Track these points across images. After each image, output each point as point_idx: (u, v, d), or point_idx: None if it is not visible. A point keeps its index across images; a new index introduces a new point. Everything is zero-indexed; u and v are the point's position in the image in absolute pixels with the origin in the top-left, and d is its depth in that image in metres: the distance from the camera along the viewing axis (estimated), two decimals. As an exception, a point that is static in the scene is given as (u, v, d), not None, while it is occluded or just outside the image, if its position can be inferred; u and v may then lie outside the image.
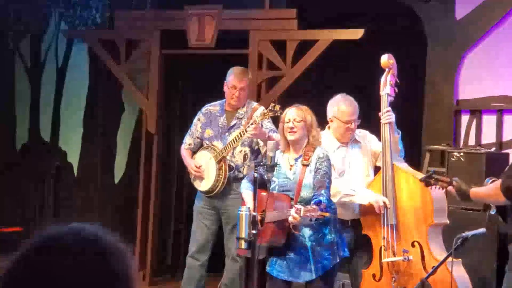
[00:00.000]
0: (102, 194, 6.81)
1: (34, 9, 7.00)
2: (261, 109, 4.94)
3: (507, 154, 5.20)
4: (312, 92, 5.38)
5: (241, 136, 4.86)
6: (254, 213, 3.90)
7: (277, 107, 4.52)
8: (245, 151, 5.01)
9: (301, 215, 3.82)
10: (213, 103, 5.19)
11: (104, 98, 6.83)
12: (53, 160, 6.96)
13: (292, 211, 3.87)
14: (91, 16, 6.81)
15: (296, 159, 4.16)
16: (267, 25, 5.99)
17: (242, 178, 4.88)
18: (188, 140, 5.22)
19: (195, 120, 5.21)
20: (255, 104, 5.12)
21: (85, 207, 6.63)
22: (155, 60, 6.35)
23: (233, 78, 5.01)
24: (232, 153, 4.99)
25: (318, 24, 5.88)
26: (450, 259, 3.82)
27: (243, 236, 3.98)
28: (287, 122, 4.12)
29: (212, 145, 5.06)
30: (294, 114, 4.13)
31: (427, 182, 3.88)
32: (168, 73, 6.50)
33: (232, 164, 4.99)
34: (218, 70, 5.36)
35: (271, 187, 4.14)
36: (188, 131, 5.25)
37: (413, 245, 4.24)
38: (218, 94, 5.25)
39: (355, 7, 5.96)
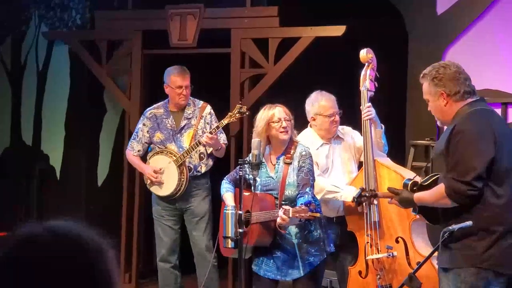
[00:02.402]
0: (86, 196, 6.76)
1: (14, 12, 6.93)
2: (209, 108, 5.07)
3: (491, 148, 5.21)
4: (294, 89, 5.37)
5: (199, 144, 4.92)
6: (240, 212, 3.87)
7: (244, 108, 4.57)
8: (200, 151, 5.06)
9: (290, 216, 3.79)
10: (155, 106, 5.23)
11: (86, 99, 6.78)
12: (35, 163, 6.89)
13: (280, 212, 3.84)
14: (72, 18, 6.76)
15: (277, 158, 4.13)
16: (249, 23, 5.98)
17: (201, 176, 5.01)
18: (136, 147, 5.21)
19: (139, 126, 5.20)
20: (201, 102, 5.16)
21: (69, 210, 6.56)
22: (136, 61, 6.31)
23: (177, 78, 5.05)
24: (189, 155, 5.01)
25: (299, 21, 5.86)
26: (436, 253, 3.82)
27: (230, 235, 3.96)
28: (277, 122, 4.06)
29: (166, 148, 5.04)
30: (283, 113, 4.09)
31: (358, 201, 3.82)
32: (150, 73, 6.46)
33: (190, 165, 5.04)
34: (200, 70, 5.33)
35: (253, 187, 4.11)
36: (134, 136, 5.24)
37: (397, 241, 4.23)
38: (200, 93, 5.23)
39: (336, 3, 5.96)
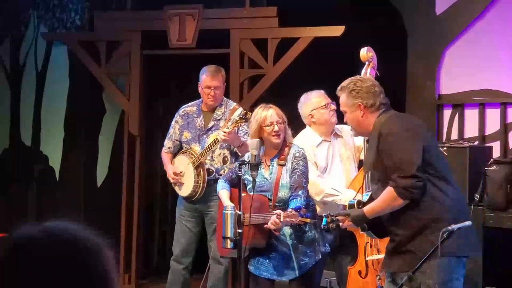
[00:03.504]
0: (85, 197, 6.76)
1: (13, 13, 6.93)
2: (240, 110, 4.92)
3: (491, 147, 5.21)
4: (293, 90, 5.37)
5: (215, 143, 4.83)
6: (240, 212, 3.87)
7: (249, 114, 4.53)
8: (224, 154, 4.96)
9: (281, 220, 3.80)
10: (189, 104, 5.16)
11: (85, 100, 6.77)
12: (34, 164, 6.89)
13: (273, 216, 3.85)
14: (71, 19, 6.75)
15: (272, 159, 4.12)
16: (248, 23, 5.97)
17: None
18: (167, 144, 5.17)
19: (173, 123, 5.16)
20: (233, 104, 5.06)
21: (68, 211, 6.57)
22: (135, 61, 6.30)
23: (206, 78, 4.96)
24: (211, 157, 4.94)
25: (298, 22, 5.86)
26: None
27: (229, 235, 3.96)
28: (269, 125, 4.04)
29: (190, 148, 5.01)
30: (275, 116, 4.06)
31: (327, 228, 3.72)
32: (149, 74, 6.46)
33: (212, 168, 4.94)
34: (199, 70, 5.32)
35: (248, 187, 4.10)
36: (167, 134, 5.21)
37: (397, 241, 4.23)
38: (199, 94, 5.21)
39: (335, 3, 5.95)
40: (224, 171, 4.92)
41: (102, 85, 6.51)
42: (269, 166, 4.12)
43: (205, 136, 4.98)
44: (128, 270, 6.32)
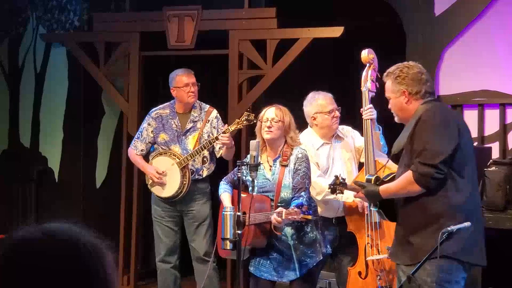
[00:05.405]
0: (84, 198, 6.75)
1: (11, 13, 6.92)
2: (215, 112, 5.07)
3: (490, 148, 5.21)
4: (292, 90, 5.37)
5: (209, 144, 4.89)
6: (239, 213, 3.87)
7: (252, 115, 4.57)
8: (204, 155, 5.04)
9: (283, 217, 3.81)
10: (161, 106, 5.21)
11: (84, 101, 6.77)
12: (33, 165, 6.88)
13: (274, 214, 3.86)
14: (69, 20, 6.75)
15: (274, 160, 4.14)
16: (247, 24, 5.97)
17: (202, 180, 4.99)
18: (139, 146, 5.19)
19: (144, 125, 5.19)
20: (207, 106, 5.15)
21: (67, 212, 6.56)
22: (134, 62, 6.30)
23: (182, 77, 5.05)
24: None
25: (297, 23, 5.86)
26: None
27: (228, 236, 3.95)
28: (265, 121, 4.10)
29: (170, 149, 5.04)
30: (273, 113, 4.12)
31: (332, 188, 3.76)
32: (148, 75, 6.46)
33: (192, 168, 5.03)
34: (198, 71, 5.33)
35: (250, 188, 4.10)
36: (138, 135, 5.22)
37: (397, 242, 4.23)
38: (198, 95, 5.22)
39: (334, 4, 5.96)
40: (203, 172, 5.01)
41: (101, 86, 6.51)
42: (271, 166, 4.13)
43: (184, 137, 5.05)
44: (127, 271, 6.32)
